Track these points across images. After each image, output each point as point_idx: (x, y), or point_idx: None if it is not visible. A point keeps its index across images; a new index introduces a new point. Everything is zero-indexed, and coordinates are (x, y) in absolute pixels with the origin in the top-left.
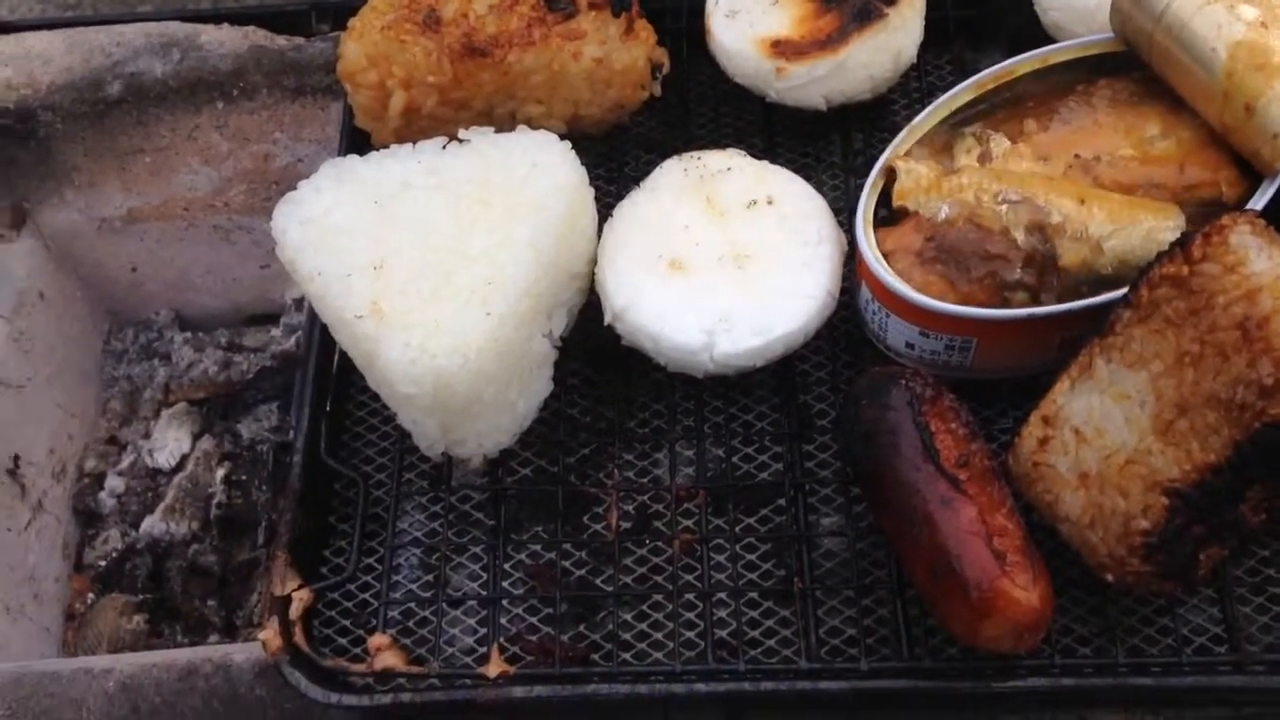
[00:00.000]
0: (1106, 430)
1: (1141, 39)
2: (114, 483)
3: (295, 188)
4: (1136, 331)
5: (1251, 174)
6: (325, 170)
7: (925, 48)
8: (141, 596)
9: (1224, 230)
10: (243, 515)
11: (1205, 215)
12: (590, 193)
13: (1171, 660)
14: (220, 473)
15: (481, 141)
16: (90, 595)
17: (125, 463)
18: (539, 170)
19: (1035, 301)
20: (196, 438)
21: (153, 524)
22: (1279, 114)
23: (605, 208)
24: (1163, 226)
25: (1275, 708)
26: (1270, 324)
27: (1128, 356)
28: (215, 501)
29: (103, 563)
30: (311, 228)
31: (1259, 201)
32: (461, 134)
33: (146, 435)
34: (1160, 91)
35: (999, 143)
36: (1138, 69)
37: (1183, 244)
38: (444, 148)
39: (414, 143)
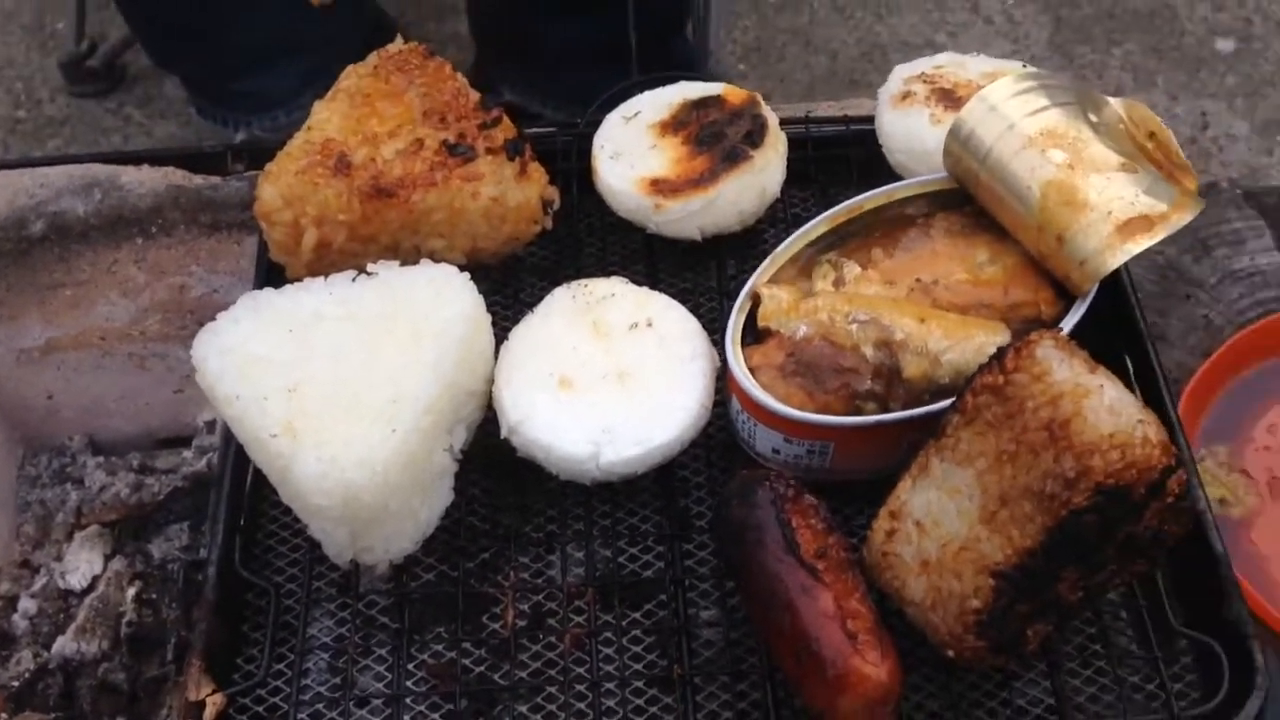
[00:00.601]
0: (942, 521)
1: (970, 178)
2: (26, 605)
3: (214, 318)
4: (964, 434)
5: (1066, 295)
6: (243, 302)
7: (789, 183)
8: (54, 715)
9: (1031, 345)
10: (152, 633)
11: (1027, 331)
12: (488, 319)
13: None
14: (131, 592)
15: (388, 274)
16: (3, 715)
17: (38, 585)
18: (441, 299)
19: (884, 409)
20: (108, 559)
21: (64, 644)
22: (1084, 243)
23: (502, 331)
24: (991, 342)
25: None
26: (1070, 425)
27: (958, 455)
28: (126, 620)
29: (15, 683)
30: (230, 356)
31: (1071, 320)
32: (370, 267)
33: (59, 558)
34: (988, 224)
35: (850, 269)
36: (968, 204)
37: (999, 357)
38: (354, 280)
39: (325, 275)
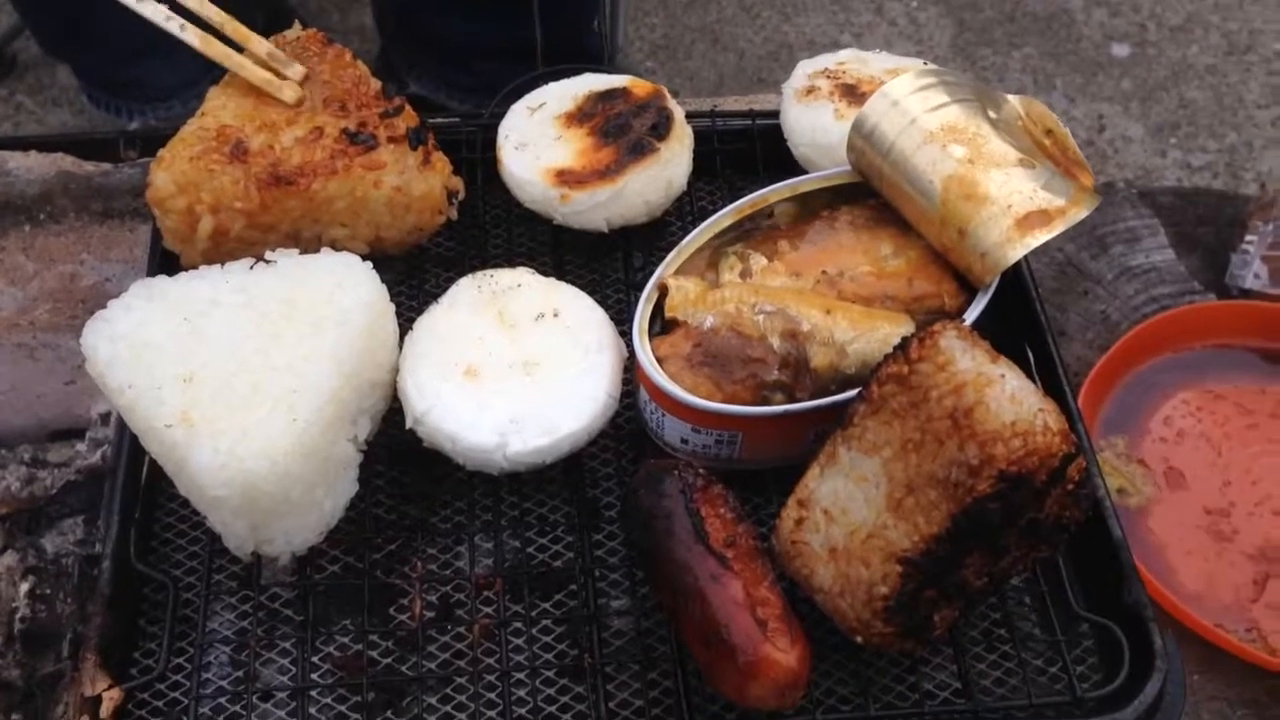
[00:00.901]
0: (850, 509)
1: (873, 172)
2: None
3: (105, 306)
4: (870, 423)
5: (969, 287)
6: (135, 290)
7: (696, 176)
8: None
9: (935, 335)
10: (47, 629)
11: (931, 322)
12: (391, 308)
13: (915, 712)
14: (24, 587)
15: (287, 262)
16: None
17: None
18: (342, 288)
19: (791, 399)
20: None
21: None
22: (984, 236)
23: (407, 321)
24: (896, 333)
25: None
26: (974, 413)
27: (864, 444)
28: (19, 616)
29: None
30: (121, 344)
31: (973, 312)
32: (268, 255)
33: None
34: (892, 217)
35: (757, 260)
36: (873, 197)
37: (904, 347)
38: (251, 268)
39: (222, 264)
